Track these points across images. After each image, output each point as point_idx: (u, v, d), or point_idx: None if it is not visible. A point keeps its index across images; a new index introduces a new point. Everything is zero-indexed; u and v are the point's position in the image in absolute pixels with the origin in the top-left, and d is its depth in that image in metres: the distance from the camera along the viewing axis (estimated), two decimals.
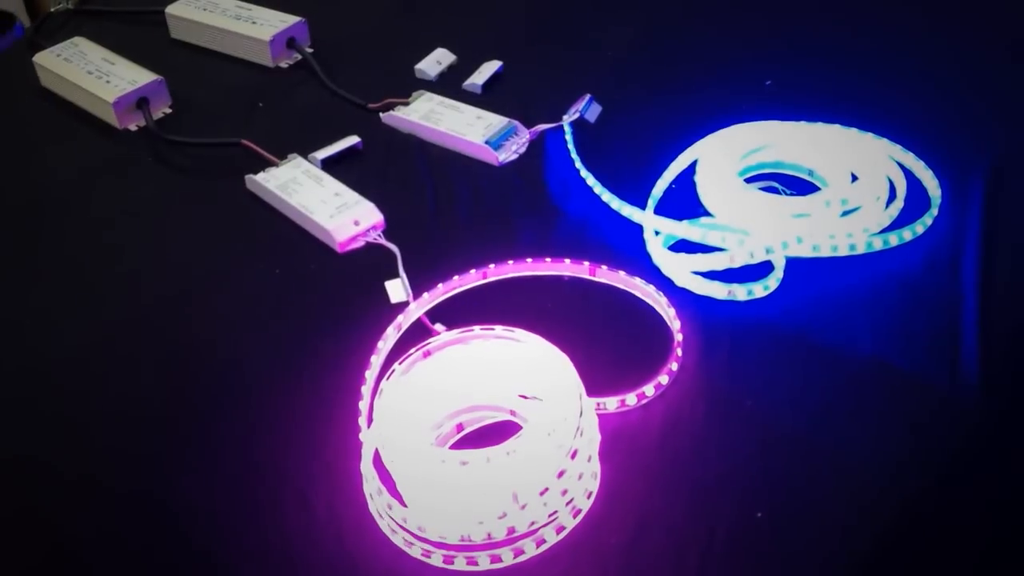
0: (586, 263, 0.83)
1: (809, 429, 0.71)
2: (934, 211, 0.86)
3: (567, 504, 0.65)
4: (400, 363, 0.70)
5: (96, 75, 1.06)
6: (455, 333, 0.72)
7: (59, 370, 0.80)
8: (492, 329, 0.71)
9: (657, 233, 0.86)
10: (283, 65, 1.13)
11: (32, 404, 0.78)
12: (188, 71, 1.13)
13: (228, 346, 0.81)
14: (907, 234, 0.84)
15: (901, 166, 0.90)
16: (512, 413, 0.71)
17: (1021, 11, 1.13)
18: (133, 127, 1.05)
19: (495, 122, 0.99)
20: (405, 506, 0.66)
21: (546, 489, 0.64)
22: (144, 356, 0.81)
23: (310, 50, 1.14)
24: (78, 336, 0.83)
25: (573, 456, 0.64)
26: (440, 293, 0.82)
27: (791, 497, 0.66)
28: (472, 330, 0.71)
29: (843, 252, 0.83)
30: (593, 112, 0.98)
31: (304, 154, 0.97)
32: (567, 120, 0.97)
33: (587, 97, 0.98)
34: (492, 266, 0.83)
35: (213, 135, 1.03)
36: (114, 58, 1.09)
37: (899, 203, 0.87)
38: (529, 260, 0.84)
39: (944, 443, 0.69)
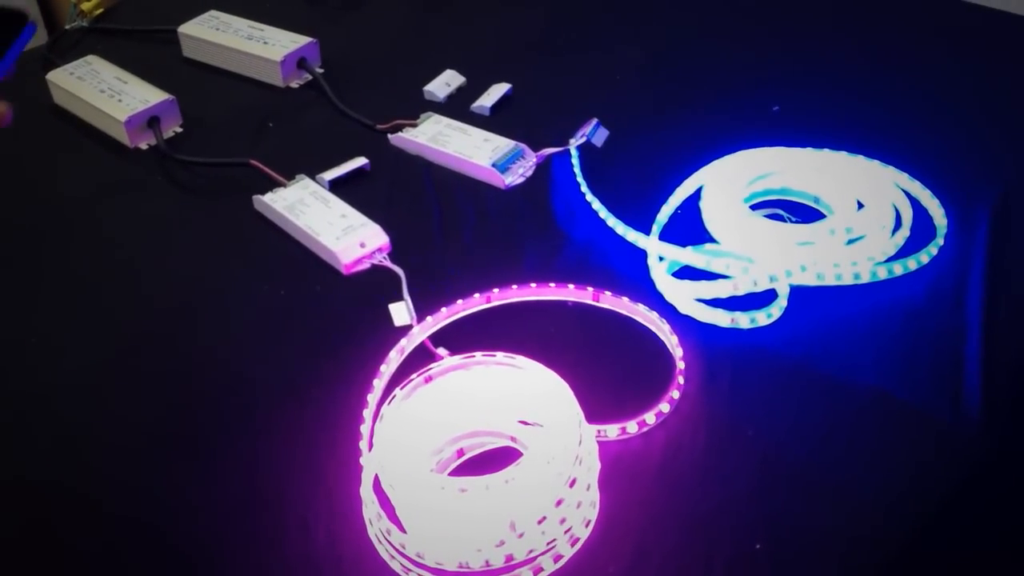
0: (590, 289, 0.83)
1: (810, 459, 0.70)
2: (939, 240, 0.86)
3: (565, 533, 0.65)
4: (401, 388, 0.70)
5: (108, 94, 1.07)
6: (457, 359, 0.72)
7: (62, 390, 0.81)
8: (494, 355, 0.71)
9: (661, 259, 0.86)
10: (293, 85, 1.14)
11: (33, 424, 0.78)
12: (199, 90, 1.14)
13: (232, 367, 0.82)
14: (912, 263, 0.83)
15: (907, 194, 0.90)
16: (513, 439, 0.72)
17: None
18: (144, 146, 1.05)
19: (502, 145, 0.99)
20: (404, 532, 0.66)
21: (544, 518, 0.63)
22: (147, 376, 0.81)
23: (320, 71, 1.15)
24: (82, 356, 0.84)
25: (572, 485, 0.64)
26: (444, 317, 0.82)
27: (791, 528, 0.66)
28: (474, 356, 0.72)
29: (847, 281, 0.83)
30: (600, 137, 0.98)
31: (312, 175, 0.98)
32: (574, 144, 0.97)
33: (594, 121, 0.98)
34: (496, 290, 0.83)
35: (222, 154, 1.03)
36: (126, 76, 1.10)
37: (905, 232, 0.86)
38: (533, 285, 0.84)
39: (945, 475, 0.69)
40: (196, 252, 0.93)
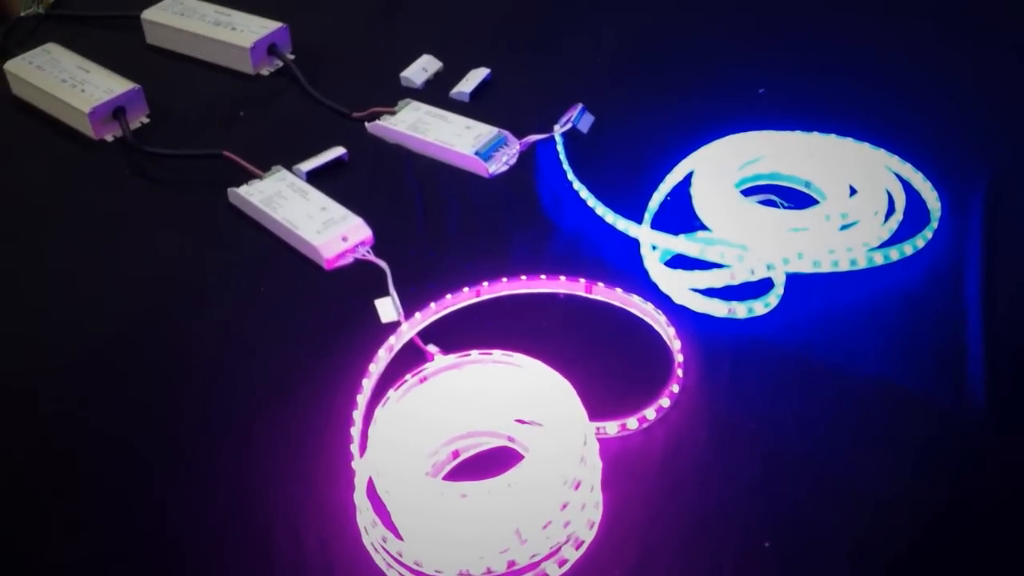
0: (582, 280, 0.81)
1: (815, 452, 0.69)
2: (934, 224, 0.84)
3: (570, 536, 0.63)
4: (395, 389, 0.68)
5: (70, 83, 1.02)
6: (452, 358, 0.69)
7: (32, 396, 0.77)
8: (490, 353, 0.69)
9: (654, 248, 0.84)
10: (264, 73, 1.10)
11: (8, 430, 0.75)
12: (165, 79, 1.10)
13: (212, 368, 0.78)
14: (908, 248, 0.82)
15: (899, 177, 0.88)
16: (510, 439, 0.69)
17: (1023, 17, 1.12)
18: (109, 138, 1.01)
19: (484, 132, 0.96)
20: (400, 538, 0.63)
21: (549, 522, 0.61)
22: (122, 379, 0.78)
23: (292, 57, 1.11)
24: (52, 359, 0.80)
25: (577, 487, 0.62)
26: (432, 313, 0.79)
27: (798, 524, 0.65)
28: (469, 354, 0.69)
29: (844, 267, 0.81)
30: (586, 122, 0.96)
31: (288, 166, 0.94)
32: (559, 130, 0.95)
33: (579, 107, 0.96)
34: (485, 284, 0.81)
35: (192, 146, 1.00)
36: (89, 65, 1.06)
37: (898, 216, 0.85)
38: (523, 277, 0.81)
39: (953, 464, 0.68)
40: (169, 248, 0.90)
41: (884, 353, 0.75)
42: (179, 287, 0.86)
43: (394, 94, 1.04)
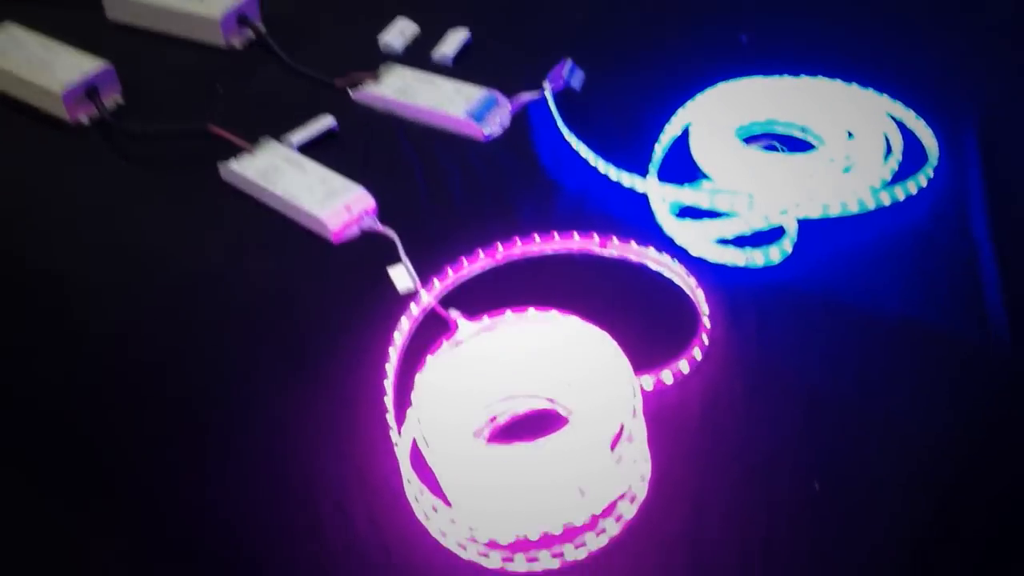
0: (595, 236, 0.80)
1: (850, 394, 0.70)
2: (933, 162, 0.85)
3: (625, 491, 0.63)
4: (432, 355, 0.66)
5: (38, 64, 0.98)
6: (486, 320, 0.68)
7: (45, 391, 0.74)
8: (524, 312, 0.68)
9: (664, 201, 0.83)
10: (236, 44, 1.07)
11: (21, 429, 0.72)
12: (132, 56, 1.05)
13: (230, 354, 0.76)
14: (912, 186, 0.83)
15: (893, 118, 0.89)
16: (551, 400, 0.69)
17: None
18: (85, 119, 0.97)
19: (475, 94, 0.95)
20: (449, 505, 0.63)
21: (606, 478, 0.61)
22: (136, 374, 0.75)
23: (263, 27, 1.08)
24: (57, 355, 0.77)
25: (630, 440, 0.62)
26: (450, 278, 0.78)
27: (844, 467, 0.65)
28: (504, 314, 0.68)
29: (853, 209, 0.81)
30: (577, 78, 0.95)
31: (276, 138, 0.92)
32: (550, 88, 0.93)
33: (568, 62, 0.95)
34: (500, 246, 0.80)
35: (171, 123, 0.96)
36: (53, 45, 1.01)
37: (897, 156, 0.86)
38: (537, 238, 0.80)
39: (985, 398, 0.69)
40: (166, 230, 0.87)
41: (903, 291, 0.76)
42: (184, 269, 0.83)
43: (374, 60, 1.01)
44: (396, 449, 0.66)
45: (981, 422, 0.67)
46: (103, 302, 0.81)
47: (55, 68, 0.97)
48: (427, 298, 0.76)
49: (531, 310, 0.68)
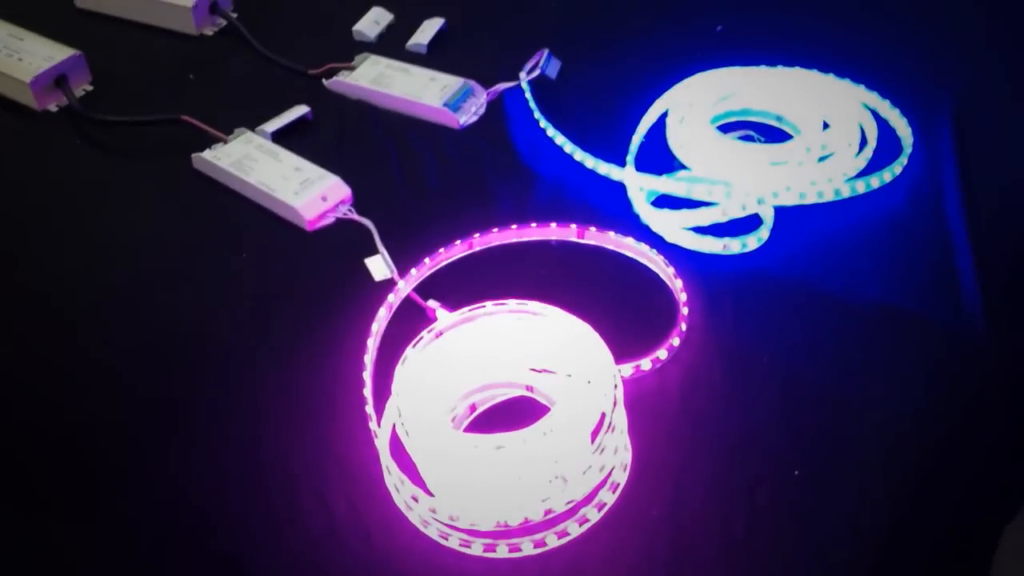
0: (573, 226, 0.80)
1: (828, 379, 0.70)
2: (907, 150, 0.86)
3: (606, 479, 0.63)
4: (413, 347, 0.66)
5: (5, 53, 0.96)
6: (465, 310, 0.68)
7: (19, 385, 0.73)
8: (504, 304, 0.68)
9: (641, 189, 0.83)
10: (208, 33, 1.05)
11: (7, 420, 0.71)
12: (102, 44, 1.04)
13: (207, 344, 0.75)
14: (887, 175, 0.83)
15: (866, 106, 0.90)
16: (529, 389, 0.68)
17: None
18: (53, 107, 0.96)
19: (451, 83, 0.94)
20: (431, 495, 0.62)
21: (588, 467, 0.61)
22: (110, 366, 0.74)
23: (234, 15, 1.06)
24: (26, 344, 0.76)
25: (611, 429, 0.62)
26: (428, 267, 0.78)
27: (822, 450, 0.66)
28: (484, 306, 0.68)
29: (828, 197, 0.82)
30: (553, 68, 0.94)
31: (249, 127, 0.91)
32: (526, 78, 0.93)
33: (545, 52, 0.94)
34: (477, 235, 0.79)
35: (142, 112, 0.95)
36: (20, 32, 0.99)
37: (872, 144, 0.86)
38: (514, 227, 0.80)
39: (961, 382, 0.70)
40: (137, 221, 0.86)
41: (880, 277, 0.77)
42: (155, 261, 0.82)
43: (348, 50, 1.01)
44: (376, 439, 0.65)
45: (956, 404, 0.68)
46: (74, 292, 0.80)
47: (24, 56, 0.96)
48: (405, 288, 0.76)
49: (511, 302, 0.68)
